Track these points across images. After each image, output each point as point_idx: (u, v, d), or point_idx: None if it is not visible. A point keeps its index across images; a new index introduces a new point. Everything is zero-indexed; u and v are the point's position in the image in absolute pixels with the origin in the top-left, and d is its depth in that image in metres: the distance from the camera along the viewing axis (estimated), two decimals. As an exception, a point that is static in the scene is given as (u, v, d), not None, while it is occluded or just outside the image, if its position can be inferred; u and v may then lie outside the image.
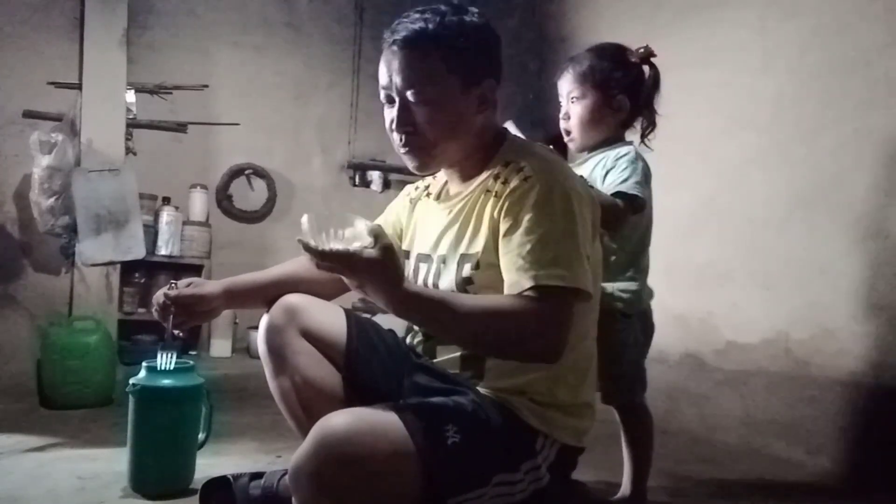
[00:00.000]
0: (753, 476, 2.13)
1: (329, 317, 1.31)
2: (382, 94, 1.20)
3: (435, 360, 1.22)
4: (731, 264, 2.64)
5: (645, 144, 1.69)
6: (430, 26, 1.12)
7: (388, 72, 1.17)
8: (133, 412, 1.66)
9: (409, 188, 1.45)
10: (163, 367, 1.65)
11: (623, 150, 1.62)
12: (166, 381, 1.66)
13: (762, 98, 2.55)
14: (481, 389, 1.14)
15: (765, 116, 2.54)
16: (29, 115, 3.11)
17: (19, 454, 2.03)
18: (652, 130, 1.68)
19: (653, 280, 1.73)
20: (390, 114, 1.19)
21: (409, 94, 1.15)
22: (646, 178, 1.57)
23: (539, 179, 1.09)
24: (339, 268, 0.98)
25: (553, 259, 1.03)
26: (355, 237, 0.99)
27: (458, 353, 1.18)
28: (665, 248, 3.02)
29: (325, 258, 0.96)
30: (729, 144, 2.68)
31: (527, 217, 1.06)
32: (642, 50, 1.63)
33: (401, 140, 1.19)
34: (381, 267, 0.98)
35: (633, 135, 1.71)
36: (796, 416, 2.33)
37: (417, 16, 1.14)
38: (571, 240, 1.06)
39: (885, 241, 2.11)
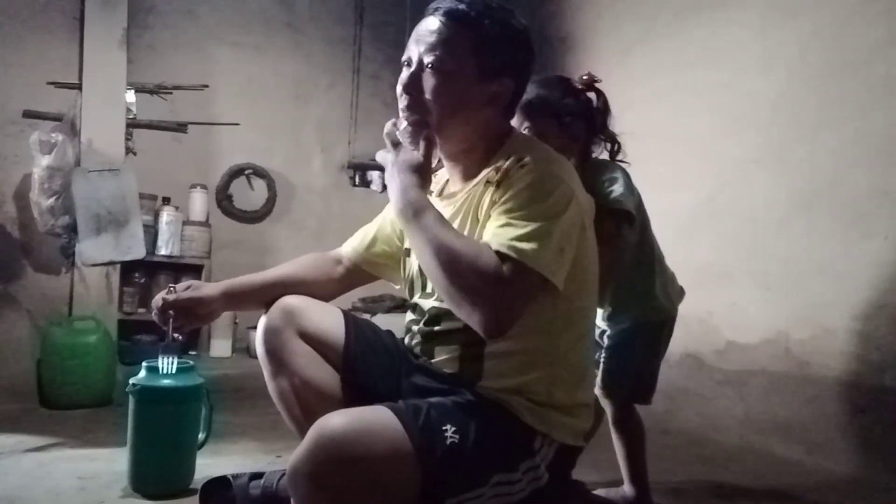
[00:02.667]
0: (753, 476, 2.13)
1: (327, 318, 1.30)
2: (405, 56, 1.20)
3: (433, 361, 1.22)
4: (731, 264, 2.64)
5: (620, 161, 1.70)
6: (473, 11, 1.15)
7: (416, 35, 1.18)
8: (133, 412, 1.66)
9: None
10: (164, 371, 1.65)
11: (595, 162, 1.64)
12: (166, 382, 1.66)
13: (762, 98, 2.55)
14: (479, 390, 1.14)
15: (765, 116, 2.54)
16: (29, 115, 3.11)
17: (19, 454, 2.03)
18: (619, 150, 1.70)
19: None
20: (404, 75, 1.19)
21: (426, 58, 1.15)
22: (629, 186, 1.59)
23: (536, 168, 1.09)
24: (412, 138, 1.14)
25: (524, 236, 1.02)
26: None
27: (456, 354, 1.18)
28: (665, 248, 3.03)
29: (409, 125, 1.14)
30: (729, 144, 2.68)
31: (514, 196, 1.07)
32: (585, 76, 1.65)
33: (403, 105, 1.18)
34: (423, 165, 1.13)
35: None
36: (796, 416, 2.33)
37: None
38: (550, 226, 1.04)
39: (885, 241, 2.11)
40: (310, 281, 1.39)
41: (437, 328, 1.21)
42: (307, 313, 1.29)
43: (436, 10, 1.16)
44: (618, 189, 1.54)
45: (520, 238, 1.02)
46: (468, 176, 1.23)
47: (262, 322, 1.30)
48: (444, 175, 1.32)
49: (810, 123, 2.37)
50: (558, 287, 1.05)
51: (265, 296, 1.36)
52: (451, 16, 1.15)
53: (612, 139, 1.68)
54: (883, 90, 2.15)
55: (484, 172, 1.19)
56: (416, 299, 1.28)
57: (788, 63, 2.46)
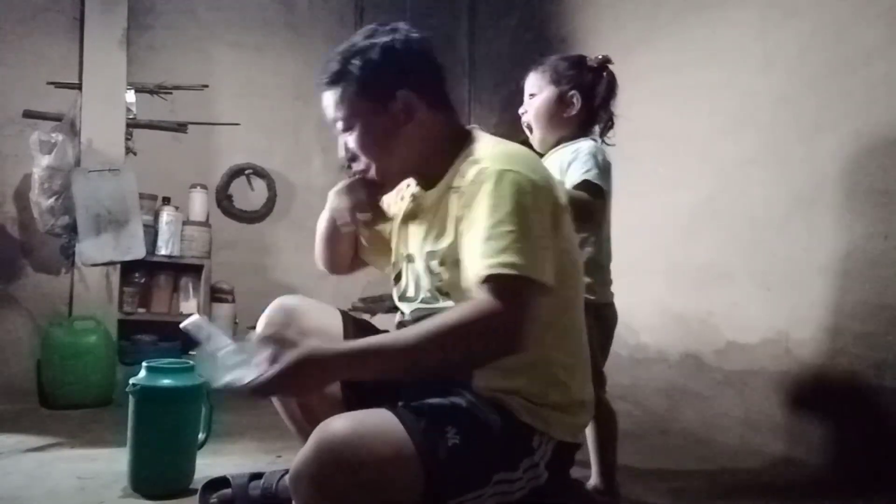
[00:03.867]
0: (753, 476, 2.13)
1: (326, 320, 1.33)
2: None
3: None
4: (731, 264, 2.63)
5: (604, 142, 1.78)
6: (338, 65, 1.19)
7: (327, 115, 1.25)
8: (133, 412, 1.66)
9: (402, 191, 1.44)
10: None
11: (582, 144, 1.70)
12: (166, 381, 1.66)
13: (762, 98, 2.54)
14: (475, 389, 1.14)
15: (765, 116, 2.54)
16: (29, 115, 3.11)
17: (19, 454, 2.03)
18: (611, 128, 1.79)
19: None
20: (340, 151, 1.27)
21: (339, 126, 1.22)
22: (606, 171, 1.64)
23: (493, 170, 1.09)
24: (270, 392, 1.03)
25: (504, 248, 1.02)
26: (249, 352, 1.01)
27: None
28: (665, 248, 3.04)
29: (256, 393, 1.01)
30: (729, 144, 2.68)
31: (480, 209, 1.07)
32: (601, 56, 1.77)
33: (354, 167, 1.26)
34: (305, 362, 0.99)
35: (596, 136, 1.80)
36: (796, 416, 2.33)
37: (335, 53, 1.21)
38: (524, 229, 1.04)
39: (885, 241, 2.11)
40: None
41: None
42: (307, 315, 1.31)
43: (318, 85, 1.23)
44: (595, 169, 1.61)
45: (500, 252, 1.02)
46: (433, 181, 1.24)
47: (261, 321, 1.31)
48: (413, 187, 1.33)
49: (810, 123, 2.37)
50: (549, 285, 1.04)
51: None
52: (327, 82, 1.21)
53: (608, 119, 1.77)
54: (883, 90, 2.14)
55: (447, 176, 1.20)
56: (399, 303, 1.30)
57: (788, 63, 2.46)
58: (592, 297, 1.63)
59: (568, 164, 1.65)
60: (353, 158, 1.25)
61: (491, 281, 1.01)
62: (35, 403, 2.72)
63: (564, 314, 1.18)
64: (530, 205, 1.07)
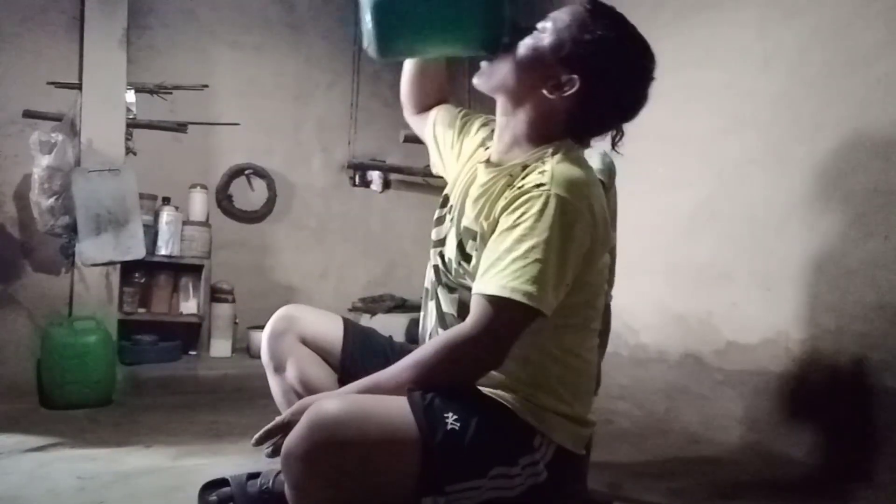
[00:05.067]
0: (753, 475, 2.13)
1: (326, 324, 1.38)
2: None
3: None
4: (731, 264, 2.64)
5: (615, 151, 1.76)
6: (602, 14, 1.17)
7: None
8: None
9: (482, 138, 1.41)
10: None
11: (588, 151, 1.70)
12: None
13: (762, 98, 2.54)
14: (478, 385, 1.15)
15: (765, 116, 2.54)
16: (29, 115, 3.11)
17: (19, 454, 2.03)
18: (621, 138, 1.77)
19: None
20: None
21: (540, 24, 1.19)
22: (610, 173, 1.70)
23: (550, 191, 1.07)
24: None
25: (525, 276, 1.03)
26: None
27: None
28: (665, 248, 3.04)
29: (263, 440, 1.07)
30: (729, 144, 2.68)
31: (522, 224, 1.06)
32: None
33: None
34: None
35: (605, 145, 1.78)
36: (796, 416, 2.33)
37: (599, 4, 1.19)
38: (553, 262, 1.05)
39: (885, 241, 2.11)
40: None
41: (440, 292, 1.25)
42: (307, 319, 1.37)
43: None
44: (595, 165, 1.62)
45: (522, 277, 1.03)
46: (507, 152, 1.23)
47: (266, 329, 1.37)
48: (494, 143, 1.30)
49: (810, 123, 2.37)
50: (546, 315, 1.06)
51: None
52: (589, 5, 1.19)
53: (619, 128, 1.76)
54: (883, 90, 2.15)
55: (518, 159, 1.19)
56: (434, 245, 1.30)
57: (788, 63, 2.46)
58: None
59: None
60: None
61: (495, 303, 1.04)
62: (35, 403, 2.72)
63: (581, 344, 1.19)
64: (570, 237, 1.06)
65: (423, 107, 1.47)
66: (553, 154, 1.16)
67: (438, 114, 1.43)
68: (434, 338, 1.10)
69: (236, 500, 1.41)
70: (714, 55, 2.77)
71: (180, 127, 3.50)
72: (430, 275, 1.31)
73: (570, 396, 1.16)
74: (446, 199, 1.33)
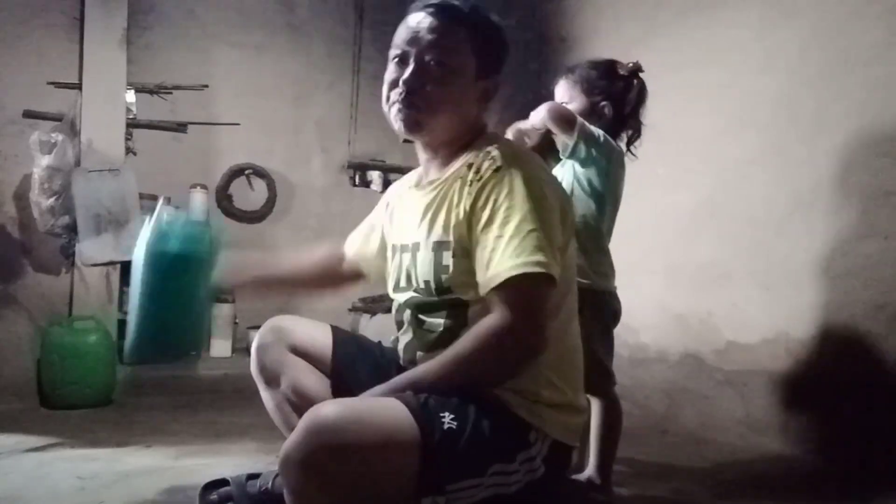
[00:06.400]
0: (753, 475, 2.13)
1: (314, 332, 1.40)
2: (395, 52, 1.22)
3: (417, 359, 1.25)
4: (731, 264, 2.64)
5: (630, 152, 1.80)
6: (465, 9, 1.20)
7: (411, 32, 1.20)
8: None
9: (387, 194, 1.50)
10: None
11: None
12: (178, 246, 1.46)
13: (762, 98, 2.54)
14: None
15: (765, 116, 2.54)
16: (29, 115, 3.11)
17: (19, 454, 2.03)
18: (637, 138, 1.81)
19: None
20: (398, 72, 1.22)
21: (430, 55, 1.18)
22: (618, 158, 1.71)
23: (508, 170, 1.12)
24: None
25: (531, 247, 1.06)
26: None
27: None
28: (665, 248, 3.04)
29: None
30: (729, 144, 2.68)
31: (500, 209, 1.09)
32: (631, 64, 1.79)
33: (401, 96, 1.21)
34: None
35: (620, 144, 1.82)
36: (796, 416, 2.33)
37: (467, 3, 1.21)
38: (544, 226, 1.08)
39: (885, 241, 2.11)
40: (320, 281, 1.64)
41: (421, 317, 1.24)
42: (295, 328, 1.39)
43: (428, 6, 1.19)
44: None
45: (530, 250, 1.05)
46: (445, 164, 1.26)
47: (254, 343, 1.40)
48: (420, 169, 1.35)
49: (810, 123, 2.37)
50: (556, 278, 1.08)
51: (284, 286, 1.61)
52: (446, 13, 1.18)
53: (636, 128, 1.80)
54: (883, 90, 2.15)
55: (458, 164, 1.22)
56: (393, 294, 1.33)
57: (788, 63, 2.46)
58: (587, 282, 1.62)
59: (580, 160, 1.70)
60: (417, 80, 1.19)
61: (513, 285, 1.04)
62: (35, 403, 2.72)
63: (566, 330, 1.20)
64: (545, 201, 1.10)
65: (351, 273, 1.60)
66: (490, 144, 1.20)
67: (356, 254, 1.59)
68: (465, 335, 1.09)
69: (236, 500, 1.41)
70: (714, 55, 2.76)
71: (180, 127, 3.50)
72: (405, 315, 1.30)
73: (562, 381, 1.17)
74: (387, 252, 1.37)
